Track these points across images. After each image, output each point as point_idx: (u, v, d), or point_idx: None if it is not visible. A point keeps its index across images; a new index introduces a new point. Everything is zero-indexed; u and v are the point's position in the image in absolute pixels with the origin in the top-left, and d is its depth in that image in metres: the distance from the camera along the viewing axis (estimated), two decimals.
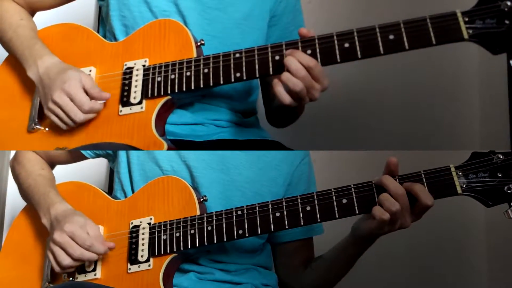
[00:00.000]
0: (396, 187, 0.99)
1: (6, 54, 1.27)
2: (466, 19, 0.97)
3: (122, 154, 1.21)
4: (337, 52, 1.01)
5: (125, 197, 1.20)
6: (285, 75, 1.01)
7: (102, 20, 1.31)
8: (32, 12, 1.30)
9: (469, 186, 0.98)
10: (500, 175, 0.97)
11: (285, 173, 1.22)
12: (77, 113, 1.11)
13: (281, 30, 1.31)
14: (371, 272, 1.43)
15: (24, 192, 1.25)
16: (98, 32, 1.30)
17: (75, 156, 1.26)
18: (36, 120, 1.18)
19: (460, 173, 0.98)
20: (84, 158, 1.26)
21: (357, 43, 1.00)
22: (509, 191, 0.96)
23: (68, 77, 1.12)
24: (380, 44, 0.99)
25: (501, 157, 0.98)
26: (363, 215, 1.04)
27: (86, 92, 1.12)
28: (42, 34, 1.24)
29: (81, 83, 1.11)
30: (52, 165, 1.31)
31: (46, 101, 1.14)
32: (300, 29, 1.04)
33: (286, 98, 1.02)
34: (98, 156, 1.25)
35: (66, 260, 1.08)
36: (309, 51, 1.03)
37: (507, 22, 0.95)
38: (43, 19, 1.30)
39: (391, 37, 0.99)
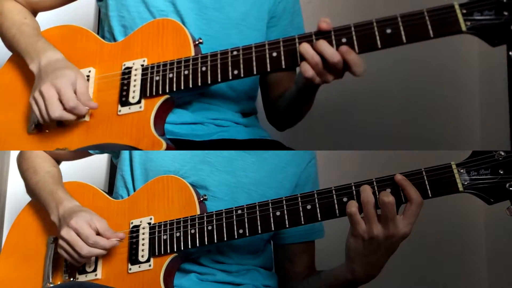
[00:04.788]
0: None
1: (7, 57, 1.28)
2: (464, 11, 0.96)
3: (125, 151, 1.21)
4: (335, 47, 1.01)
5: (128, 194, 1.20)
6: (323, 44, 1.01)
7: (101, 20, 1.31)
8: (33, 13, 1.30)
9: (471, 184, 0.96)
10: (502, 172, 0.96)
11: (292, 175, 1.21)
12: (56, 108, 1.09)
13: (279, 31, 1.30)
14: None
15: (31, 188, 1.25)
16: (98, 32, 1.31)
17: (80, 153, 1.27)
18: (36, 121, 1.18)
19: (462, 171, 0.97)
20: (88, 154, 1.26)
21: (354, 37, 1.00)
22: (510, 188, 0.95)
23: (62, 74, 1.11)
24: (378, 38, 0.99)
25: (503, 154, 0.97)
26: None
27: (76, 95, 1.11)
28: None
29: (74, 85, 1.11)
30: (57, 161, 1.31)
31: (33, 91, 1.13)
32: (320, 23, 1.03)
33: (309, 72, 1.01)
34: (102, 151, 1.25)
35: (81, 258, 1.09)
36: None
37: (505, 13, 0.94)
38: (44, 19, 1.30)
39: (389, 31, 0.99)
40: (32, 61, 1.17)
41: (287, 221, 1.04)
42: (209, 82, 1.09)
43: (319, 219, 1.02)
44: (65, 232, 1.09)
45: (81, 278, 1.13)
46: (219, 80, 1.08)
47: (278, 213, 1.04)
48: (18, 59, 1.22)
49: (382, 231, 0.96)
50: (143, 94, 1.13)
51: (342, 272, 1.05)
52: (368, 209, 0.96)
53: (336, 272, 1.08)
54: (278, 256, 1.27)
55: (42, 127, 1.18)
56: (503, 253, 1.72)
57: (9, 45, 1.25)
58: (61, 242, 1.10)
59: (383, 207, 0.96)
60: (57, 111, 1.10)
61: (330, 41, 1.01)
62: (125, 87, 1.14)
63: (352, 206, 0.98)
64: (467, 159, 0.98)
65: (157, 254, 1.09)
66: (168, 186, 1.14)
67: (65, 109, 1.10)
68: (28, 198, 1.27)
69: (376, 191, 0.98)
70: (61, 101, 1.10)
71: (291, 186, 1.21)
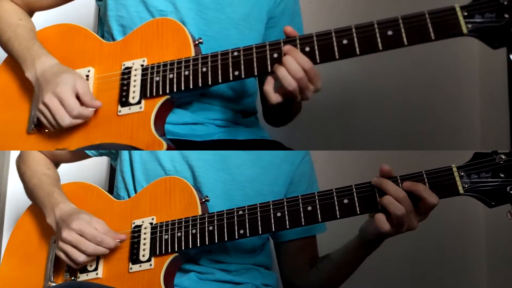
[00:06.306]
0: (397, 191, 0.97)
1: (5, 55, 1.27)
2: (465, 14, 0.96)
3: (125, 153, 1.22)
4: (336, 49, 1.01)
5: (128, 195, 1.20)
6: (282, 72, 1.01)
7: (100, 20, 1.30)
8: (30, 13, 1.30)
9: (471, 187, 0.97)
10: (502, 176, 0.96)
11: (286, 172, 1.22)
12: (64, 117, 1.11)
13: (279, 32, 1.29)
14: (370, 274, 1.43)
15: (29, 191, 1.25)
16: (97, 32, 1.31)
17: (79, 155, 1.27)
18: (36, 121, 1.18)
19: (462, 173, 0.97)
20: (87, 156, 1.26)
21: (355, 39, 1.00)
22: (511, 192, 0.95)
23: (61, 81, 1.11)
24: (379, 40, 0.99)
25: (504, 157, 0.97)
26: (370, 217, 1.03)
27: (79, 98, 1.11)
28: (41, 35, 1.24)
29: (74, 88, 1.11)
30: (56, 164, 1.32)
31: (37, 102, 1.14)
32: (285, 27, 1.04)
33: (273, 97, 1.03)
34: (101, 154, 1.26)
35: (81, 257, 1.09)
36: (307, 48, 1.03)
37: (506, 16, 0.94)
38: (43, 19, 1.30)
39: (390, 33, 0.98)
40: (27, 69, 1.17)
41: (287, 222, 1.04)
42: (210, 83, 1.09)
43: (320, 220, 1.03)
44: (68, 234, 1.09)
45: (82, 277, 1.14)
46: (220, 81, 1.08)
47: (279, 214, 1.05)
48: (15, 58, 1.22)
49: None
50: (143, 95, 1.13)
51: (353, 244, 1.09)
52: (407, 202, 0.97)
53: (348, 247, 1.11)
54: (280, 253, 1.27)
55: (42, 126, 1.18)
56: (504, 255, 1.73)
57: (4, 48, 1.24)
58: (62, 244, 1.10)
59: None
60: (66, 120, 1.11)
61: (331, 42, 1.01)
62: (125, 87, 1.14)
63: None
64: (468, 162, 0.98)
65: (158, 253, 1.10)
66: (171, 187, 1.15)
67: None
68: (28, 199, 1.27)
69: (377, 195, 0.99)
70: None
71: (285, 183, 1.22)
